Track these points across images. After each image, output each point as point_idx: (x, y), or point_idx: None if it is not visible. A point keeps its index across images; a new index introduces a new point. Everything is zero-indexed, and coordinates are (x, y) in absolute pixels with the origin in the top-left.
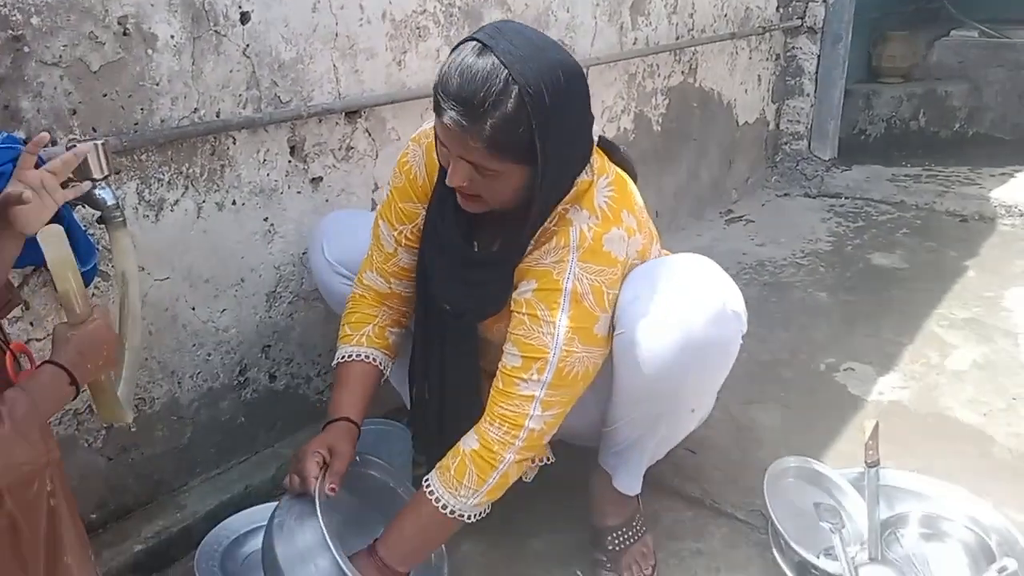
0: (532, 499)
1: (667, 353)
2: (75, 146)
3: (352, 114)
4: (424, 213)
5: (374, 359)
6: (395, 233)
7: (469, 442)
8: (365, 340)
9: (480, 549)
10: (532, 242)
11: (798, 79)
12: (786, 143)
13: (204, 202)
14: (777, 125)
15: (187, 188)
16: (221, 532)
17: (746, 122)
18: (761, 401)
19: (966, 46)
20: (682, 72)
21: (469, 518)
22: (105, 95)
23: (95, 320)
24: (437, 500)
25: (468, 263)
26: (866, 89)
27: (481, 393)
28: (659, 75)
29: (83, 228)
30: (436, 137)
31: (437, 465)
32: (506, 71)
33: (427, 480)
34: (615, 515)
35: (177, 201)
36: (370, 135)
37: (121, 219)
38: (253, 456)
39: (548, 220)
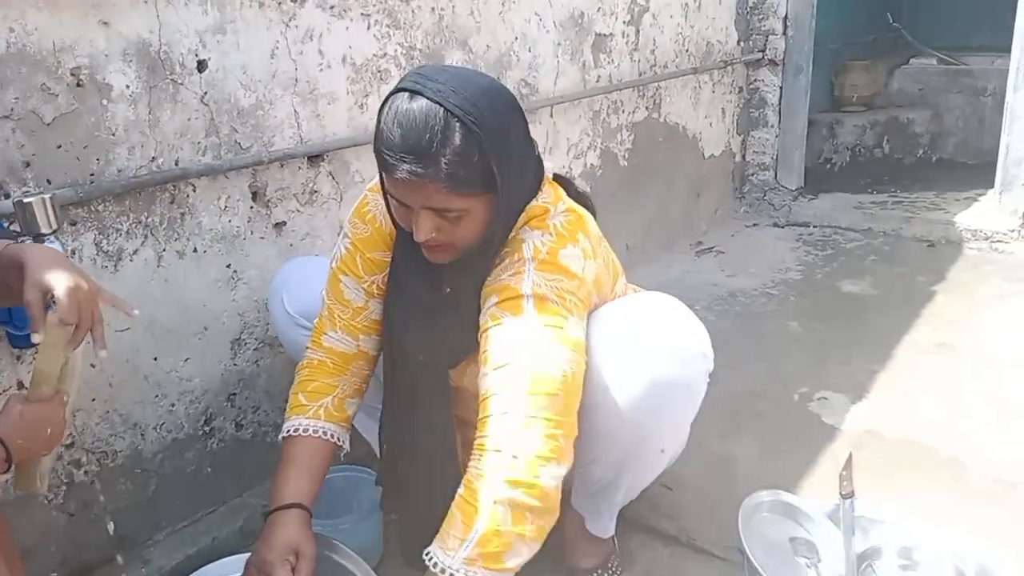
0: None
1: (634, 395)
2: (21, 201)
3: (315, 158)
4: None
5: (332, 435)
6: (364, 285)
7: (458, 493)
8: (323, 413)
9: None
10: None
11: (762, 111)
12: (753, 174)
13: (164, 251)
14: (743, 156)
15: (146, 237)
16: None
17: (712, 155)
18: (736, 433)
19: (926, 73)
20: (646, 108)
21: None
22: (59, 146)
23: (52, 403)
24: (443, 571)
25: (431, 310)
26: (830, 118)
27: (456, 444)
28: (623, 111)
29: None
30: (389, 197)
31: (438, 540)
32: (442, 108)
33: (427, 552)
34: (591, 556)
35: (136, 251)
36: (334, 178)
37: None
38: (221, 507)
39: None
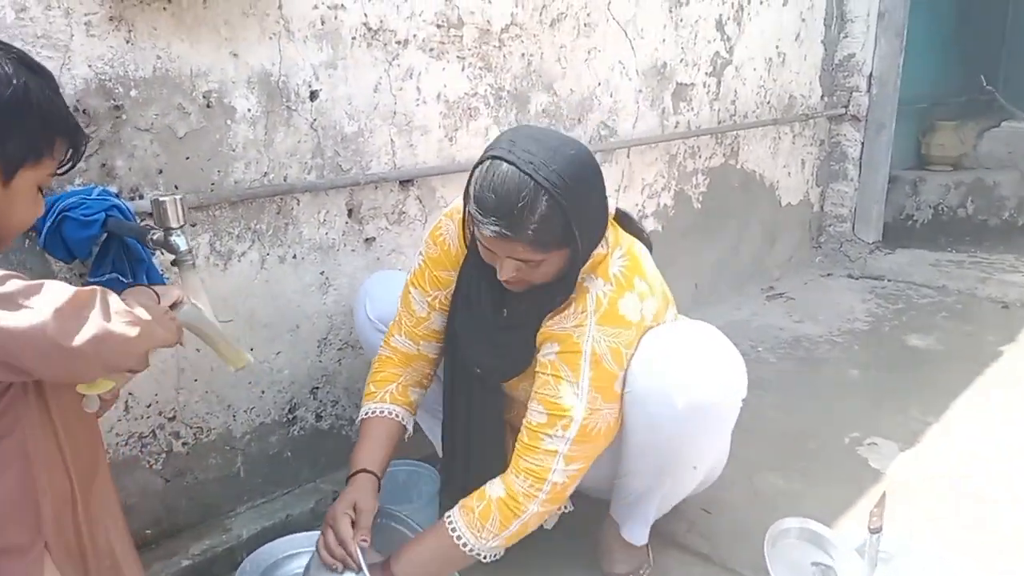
0: (550, 543)
1: (668, 414)
2: (157, 199)
3: (405, 183)
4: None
5: (396, 415)
6: (428, 299)
7: (495, 489)
8: (388, 397)
9: None
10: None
11: (842, 164)
12: (830, 225)
13: (268, 255)
14: (821, 207)
15: (254, 242)
16: (261, 555)
17: (789, 203)
18: (782, 469)
19: (1017, 136)
20: (723, 154)
21: (484, 558)
22: (188, 158)
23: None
24: (459, 538)
25: (496, 329)
26: (914, 176)
27: (506, 446)
28: (700, 156)
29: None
30: (478, 242)
31: (461, 503)
32: (532, 180)
33: (449, 515)
34: (624, 563)
35: (244, 253)
36: (420, 202)
37: (191, 262)
38: (296, 488)
39: None
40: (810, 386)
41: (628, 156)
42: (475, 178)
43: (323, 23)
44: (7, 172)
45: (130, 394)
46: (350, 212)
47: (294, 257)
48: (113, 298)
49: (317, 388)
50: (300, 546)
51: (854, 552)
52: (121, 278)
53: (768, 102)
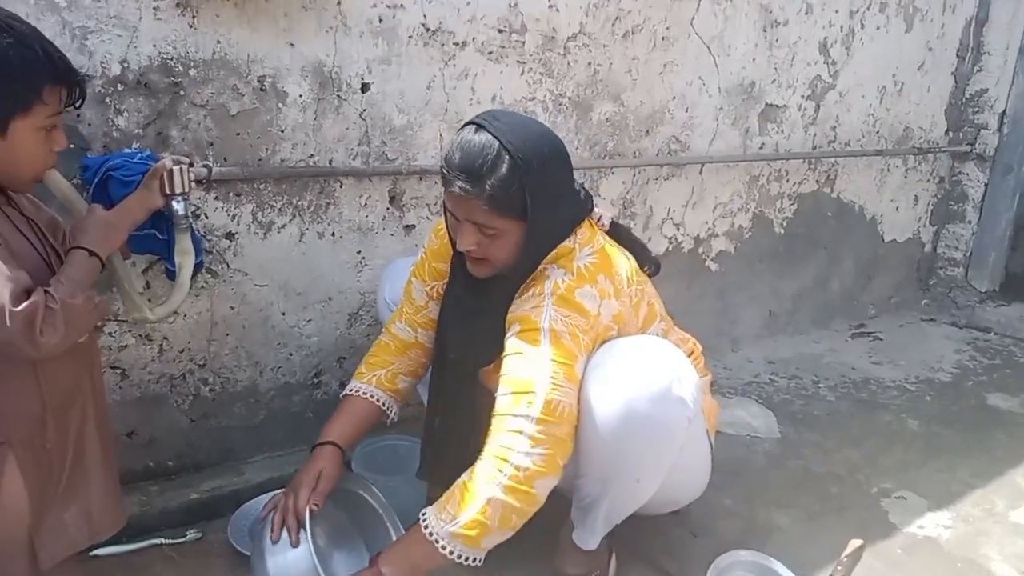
0: (518, 537)
1: (611, 423)
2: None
3: None
4: None
5: (377, 399)
6: (427, 288)
7: (463, 476)
8: (375, 381)
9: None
10: (517, 294)
11: (961, 205)
12: (941, 268)
13: (307, 230)
14: (934, 248)
15: (294, 216)
16: (259, 502)
17: (894, 240)
18: (791, 507)
19: None
20: (816, 181)
21: (458, 556)
22: (238, 134)
23: (91, 210)
24: (426, 526)
25: (466, 314)
26: None
27: (479, 433)
28: (787, 180)
29: (195, 232)
30: (445, 209)
31: (437, 502)
32: (498, 142)
33: (423, 513)
34: (574, 565)
35: (284, 225)
36: None
37: (186, 226)
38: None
39: (531, 277)
40: (859, 430)
41: (701, 173)
42: (452, 140)
43: (380, 21)
44: (1, 126)
45: (165, 338)
46: (392, 199)
47: (333, 235)
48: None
49: (344, 358)
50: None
51: None
52: (158, 234)
53: (877, 131)
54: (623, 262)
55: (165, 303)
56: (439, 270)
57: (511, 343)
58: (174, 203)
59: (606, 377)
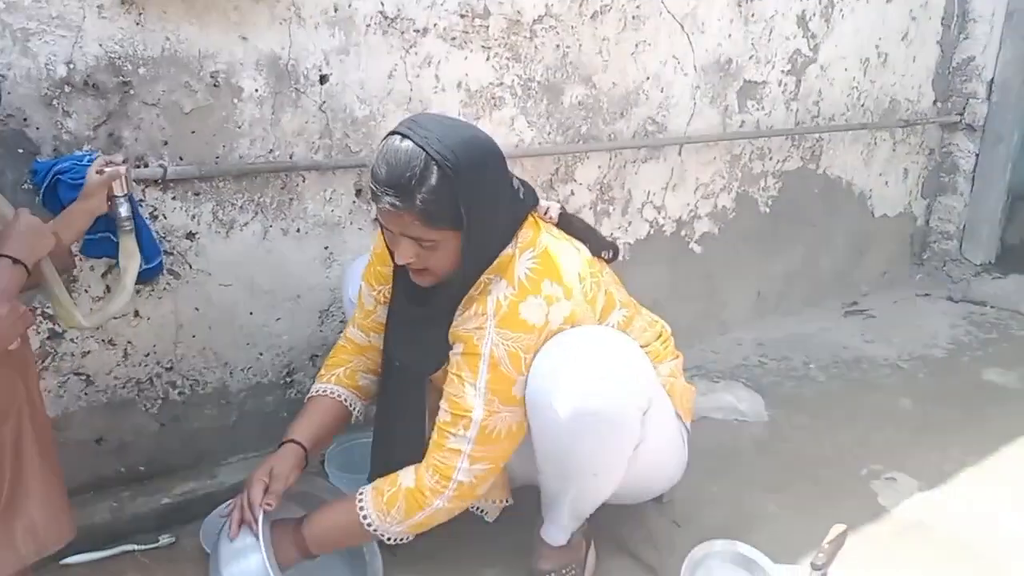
0: (492, 534)
1: (560, 418)
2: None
3: None
4: None
5: (338, 395)
6: (374, 293)
7: (407, 478)
8: (334, 379)
9: (436, 571)
10: (461, 307)
11: (952, 177)
12: (935, 242)
13: (271, 226)
14: (926, 222)
15: (256, 213)
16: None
17: (885, 215)
18: (777, 493)
19: None
20: (801, 157)
21: (388, 539)
22: (193, 132)
23: (18, 216)
24: (364, 517)
25: (410, 323)
26: None
27: (425, 439)
28: (771, 158)
29: (152, 233)
30: (379, 222)
31: (375, 483)
32: (424, 152)
33: (362, 492)
34: (547, 560)
35: (247, 223)
36: None
37: (128, 228)
38: None
39: (473, 288)
40: (850, 411)
41: (680, 154)
42: (376, 153)
43: (336, 10)
44: None
45: (129, 342)
46: (358, 192)
47: (298, 231)
48: None
49: (316, 356)
50: None
51: None
52: (112, 237)
53: (862, 104)
54: (571, 260)
55: (101, 309)
56: (384, 274)
57: (455, 362)
58: (117, 207)
59: (553, 373)
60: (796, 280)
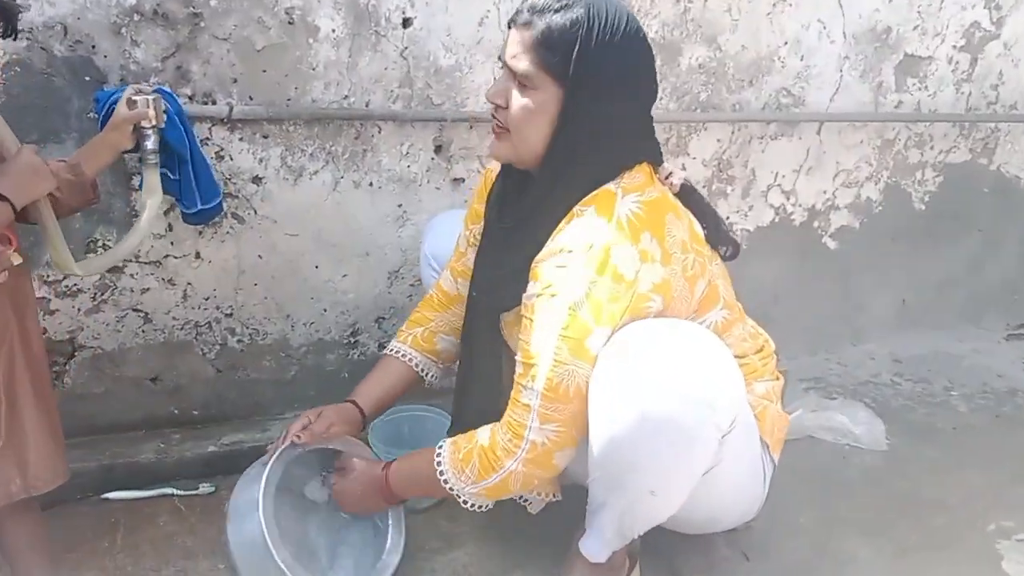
0: (532, 528)
1: (619, 425)
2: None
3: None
4: None
5: (410, 359)
6: (467, 233)
7: (483, 435)
8: (410, 340)
9: (464, 562)
10: (549, 238)
11: None
12: None
13: (342, 178)
14: None
15: (327, 162)
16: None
17: None
18: (878, 537)
19: None
20: (970, 149)
21: (465, 502)
22: (265, 71)
23: (20, 152)
24: (441, 472)
25: (494, 247)
26: None
27: (503, 388)
28: (931, 147)
29: (212, 172)
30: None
31: (454, 438)
32: (587, 5)
33: (441, 446)
34: (576, 573)
35: (317, 172)
36: None
37: (153, 162)
38: None
39: (564, 220)
40: (990, 452)
41: (819, 133)
42: None
43: None
44: None
45: (189, 283)
46: (437, 148)
47: (371, 184)
48: None
49: (383, 318)
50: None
51: None
52: (169, 174)
53: None
54: (680, 225)
55: (110, 252)
56: (479, 212)
57: (530, 304)
58: (145, 139)
59: (624, 363)
60: (952, 291)
